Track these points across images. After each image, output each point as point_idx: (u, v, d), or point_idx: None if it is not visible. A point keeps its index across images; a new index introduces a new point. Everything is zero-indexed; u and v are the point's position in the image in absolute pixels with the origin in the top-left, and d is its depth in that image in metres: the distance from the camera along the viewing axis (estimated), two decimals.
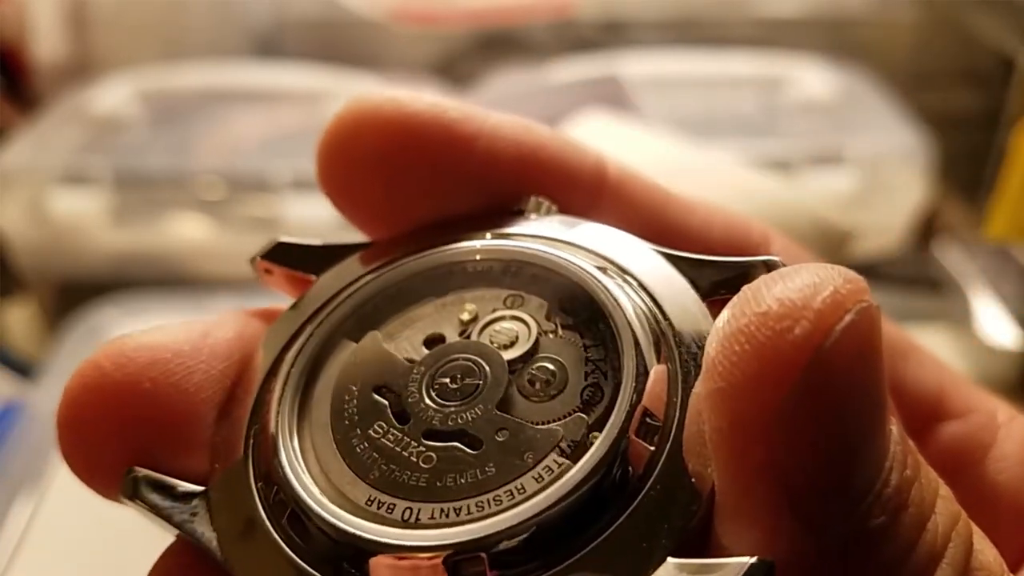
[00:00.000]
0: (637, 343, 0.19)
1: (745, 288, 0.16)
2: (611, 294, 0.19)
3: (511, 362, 0.20)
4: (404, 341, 0.21)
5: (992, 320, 0.66)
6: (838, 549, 0.15)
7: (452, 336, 0.20)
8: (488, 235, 0.21)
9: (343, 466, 0.19)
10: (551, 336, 0.20)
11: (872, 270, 0.79)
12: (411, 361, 0.20)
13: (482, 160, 0.21)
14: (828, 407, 0.15)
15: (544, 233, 0.21)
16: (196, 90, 0.94)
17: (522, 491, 0.18)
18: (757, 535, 0.16)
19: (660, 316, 0.19)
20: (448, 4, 1.02)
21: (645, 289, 0.20)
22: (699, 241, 0.22)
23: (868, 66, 0.99)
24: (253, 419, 0.20)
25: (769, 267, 0.19)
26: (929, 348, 0.23)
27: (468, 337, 0.20)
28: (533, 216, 0.22)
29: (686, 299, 0.20)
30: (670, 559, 0.16)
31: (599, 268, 0.20)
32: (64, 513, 0.54)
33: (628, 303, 0.19)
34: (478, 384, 0.19)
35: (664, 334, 0.19)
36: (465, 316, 0.21)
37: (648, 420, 0.18)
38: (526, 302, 0.21)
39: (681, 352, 0.19)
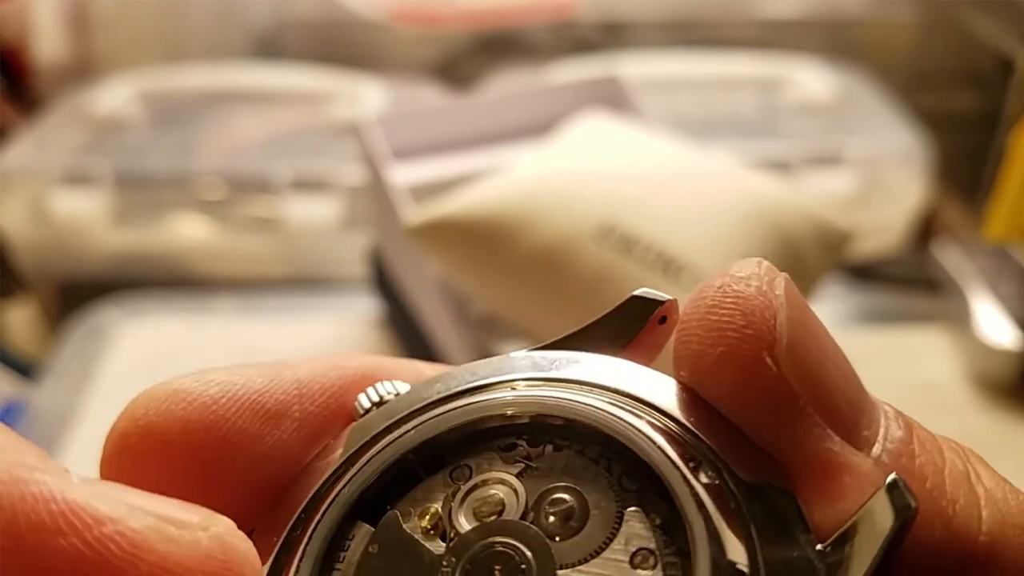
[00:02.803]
0: (669, 456, 0.16)
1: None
2: (628, 423, 0.17)
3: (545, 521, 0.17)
4: (440, 507, 0.18)
5: (991, 320, 0.66)
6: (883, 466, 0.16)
7: (463, 514, 0.18)
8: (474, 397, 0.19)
9: None
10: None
11: (872, 270, 0.79)
12: (452, 534, 0.17)
13: (299, 424, 0.19)
14: (813, 342, 0.17)
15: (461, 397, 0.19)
16: (197, 91, 0.94)
17: None
18: (845, 481, 0.16)
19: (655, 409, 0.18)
20: (448, 5, 1.02)
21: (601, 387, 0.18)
22: None
23: (868, 67, 0.99)
24: None
25: (639, 296, 0.19)
26: None
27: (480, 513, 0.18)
28: (389, 397, 0.20)
29: (630, 372, 0.18)
30: (818, 548, 0.15)
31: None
32: None
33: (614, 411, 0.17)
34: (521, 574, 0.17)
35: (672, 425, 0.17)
36: (467, 485, 0.18)
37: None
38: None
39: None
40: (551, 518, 0.17)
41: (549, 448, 0.18)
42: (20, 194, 0.82)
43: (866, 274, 0.78)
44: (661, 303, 0.19)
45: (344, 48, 1.02)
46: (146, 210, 0.82)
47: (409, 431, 0.18)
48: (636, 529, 0.16)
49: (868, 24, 1.07)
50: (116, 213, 0.81)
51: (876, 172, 0.84)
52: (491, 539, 0.17)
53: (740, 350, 0.16)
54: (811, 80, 0.94)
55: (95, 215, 0.81)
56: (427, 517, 0.18)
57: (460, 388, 0.19)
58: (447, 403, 0.19)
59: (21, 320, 0.86)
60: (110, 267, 0.83)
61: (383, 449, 0.18)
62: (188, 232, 0.83)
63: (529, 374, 0.19)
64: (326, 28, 1.03)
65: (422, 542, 0.17)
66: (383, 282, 0.72)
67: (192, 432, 0.18)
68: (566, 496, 0.17)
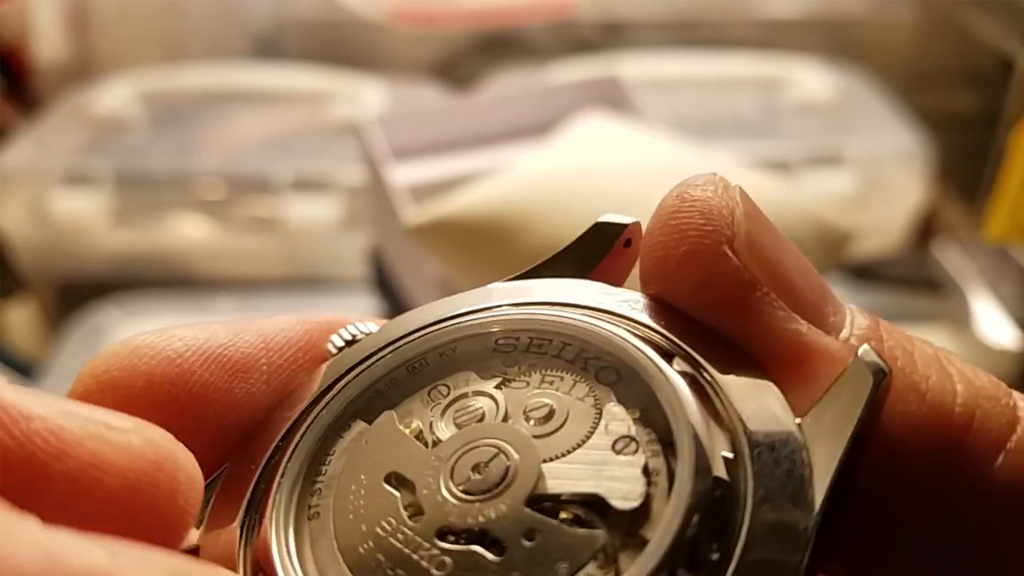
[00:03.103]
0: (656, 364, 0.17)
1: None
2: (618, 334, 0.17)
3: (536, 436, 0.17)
4: (421, 421, 0.18)
5: (991, 320, 0.66)
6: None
7: (443, 424, 0.18)
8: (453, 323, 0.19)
9: (343, 569, 0.16)
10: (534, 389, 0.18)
11: (872, 270, 0.79)
12: (433, 444, 0.18)
13: (268, 377, 0.19)
14: (769, 236, 0.18)
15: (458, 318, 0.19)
16: (197, 91, 0.94)
17: None
18: (815, 362, 0.16)
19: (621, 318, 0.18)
20: (448, 5, 1.02)
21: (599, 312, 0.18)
22: None
23: (868, 67, 0.99)
24: (250, 505, 0.18)
25: (604, 221, 0.20)
26: None
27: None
28: (367, 333, 0.20)
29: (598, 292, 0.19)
30: (797, 422, 0.16)
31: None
32: None
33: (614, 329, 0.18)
34: (504, 474, 0.17)
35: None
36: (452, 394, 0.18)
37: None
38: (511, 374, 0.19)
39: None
40: (531, 421, 0.17)
41: (525, 362, 0.18)
42: (20, 194, 0.82)
43: (866, 274, 0.78)
44: (625, 226, 0.19)
45: (344, 48, 1.02)
46: (146, 210, 0.82)
47: (385, 356, 0.19)
48: (616, 421, 0.17)
49: (868, 24, 1.08)
50: (116, 213, 0.81)
51: (876, 172, 0.84)
52: (475, 439, 0.17)
53: (701, 246, 0.17)
54: (811, 80, 0.94)
55: (95, 215, 0.81)
56: (408, 431, 0.18)
57: (434, 319, 0.19)
58: (421, 331, 0.19)
59: (21, 320, 0.86)
60: (110, 267, 0.83)
61: (359, 375, 0.19)
62: (188, 232, 0.83)
63: (501, 301, 0.19)
64: (326, 28, 1.03)
65: (412, 439, 0.18)
66: (383, 282, 0.72)
67: (158, 386, 0.18)
68: (545, 399, 0.17)
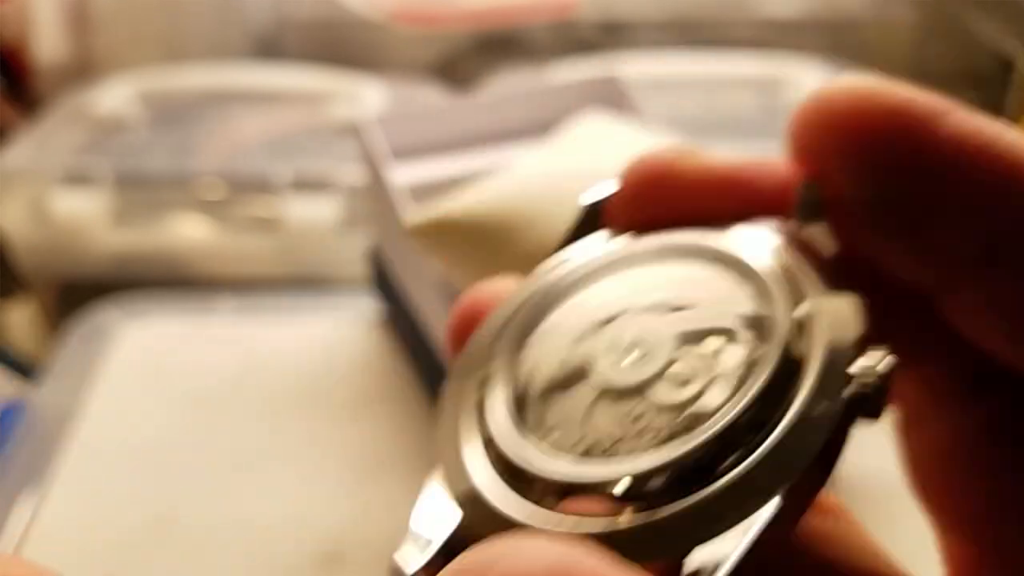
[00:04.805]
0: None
1: None
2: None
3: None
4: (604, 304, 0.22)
5: None
6: None
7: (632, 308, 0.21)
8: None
9: (538, 416, 0.20)
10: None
11: None
12: (607, 320, 0.21)
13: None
14: None
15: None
16: (197, 91, 0.94)
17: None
18: None
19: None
20: (448, 5, 1.02)
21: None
22: None
23: (868, 66, 0.99)
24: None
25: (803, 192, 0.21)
26: None
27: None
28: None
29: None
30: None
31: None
32: (65, 514, 0.54)
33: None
34: (648, 349, 0.20)
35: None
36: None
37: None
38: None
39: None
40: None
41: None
42: (20, 194, 0.82)
43: None
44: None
45: (344, 48, 1.02)
46: (146, 210, 0.82)
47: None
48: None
49: (868, 24, 1.07)
50: (116, 213, 0.81)
51: None
52: (636, 320, 0.21)
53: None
54: (811, 80, 0.94)
55: (95, 215, 0.81)
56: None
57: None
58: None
59: (21, 320, 0.86)
60: (110, 267, 0.83)
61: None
62: (188, 232, 0.83)
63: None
64: (326, 28, 1.03)
65: (594, 315, 0.21)
66: (383, 282, 0.72)
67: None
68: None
